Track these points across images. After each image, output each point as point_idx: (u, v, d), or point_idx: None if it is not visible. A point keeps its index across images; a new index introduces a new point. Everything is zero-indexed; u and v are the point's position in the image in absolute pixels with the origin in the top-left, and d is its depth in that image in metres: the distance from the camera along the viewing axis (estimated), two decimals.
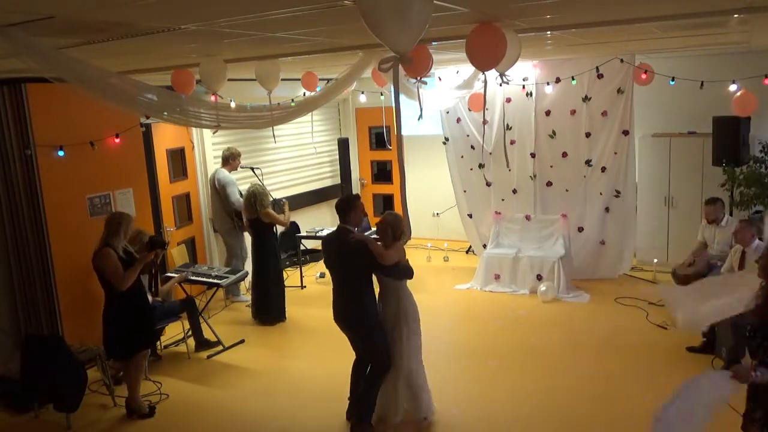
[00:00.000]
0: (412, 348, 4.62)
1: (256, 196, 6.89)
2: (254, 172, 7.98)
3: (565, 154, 7.89)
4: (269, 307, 7.14)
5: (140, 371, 5.28)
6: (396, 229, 4.50)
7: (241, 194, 7.59)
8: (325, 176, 10.26)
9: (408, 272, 4.57)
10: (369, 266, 4.45)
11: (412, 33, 2.36)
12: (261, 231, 7.06)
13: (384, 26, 2.33)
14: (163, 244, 5.35)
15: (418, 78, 4.71)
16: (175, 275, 6.55)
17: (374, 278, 4.62)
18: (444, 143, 8.70)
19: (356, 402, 4.73)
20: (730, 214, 6.56)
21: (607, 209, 7.81)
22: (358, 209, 4.63)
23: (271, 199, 7.21)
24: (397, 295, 4.57)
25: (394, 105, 2.60)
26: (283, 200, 7.47)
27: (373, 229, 4.87)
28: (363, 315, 4.53)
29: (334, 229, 4.78)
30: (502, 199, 8.42)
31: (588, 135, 7.69)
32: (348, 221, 4.59)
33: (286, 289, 7.39)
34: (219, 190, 7.54)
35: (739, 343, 4.93)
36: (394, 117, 2.59)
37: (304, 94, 6.74)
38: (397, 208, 10.57)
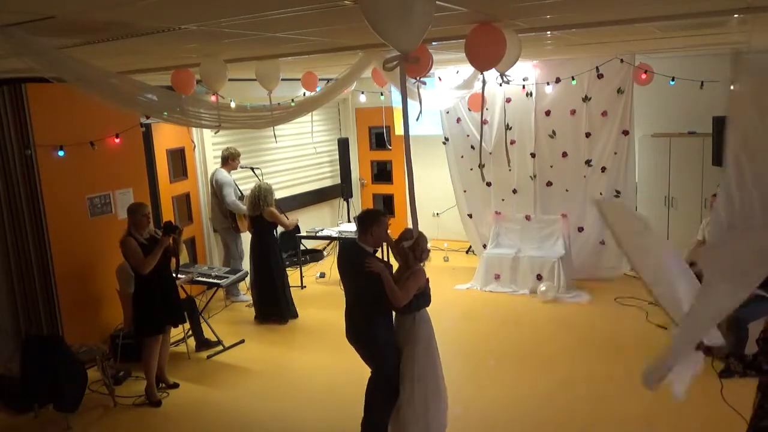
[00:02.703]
0: (424, 377, 4.19)
1: (261, 192, 6.86)
2: (254, 172, 7.99)
3: (565, 154, 7.89)
4: (279, 305, 7.09)
5: (153, 358, 5.36)
6: (416, 248, 4.09)
7: (241, 195, 7.61)
8: (325, 176, 10.26)
9: (423, 303, 4.17)
10: (381, 297, 4.05)
11: (415, 32, 2.36)
12: (262, 229, 7.01)
13: (387, 25, 2.33)
14: (175, 229, 5.39)
15: (418, 78, 4.71)
16: (182, 276, 6.54)
17: None
18: (444, 143, 8.70)
19: (367, 426, 4.40)
20: None
21: None
22: (382, 226, 4.18)
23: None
24: (413, 318, 4.19)
25: (401, 104, 2.59)
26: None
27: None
28: (373, 339, 4.21)
29: (351, 239, 4.36)
30: (502, 199, 8.42)
31: (588, 135, 7.69)
32: (366, 239, 4.17)
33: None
34: (216, 190, 7.55)
35: (739, 340, 4.92)
36: (402, 116, 2.57)
37: (304, 94, 6.74)
38: (398, 208, 10.58)
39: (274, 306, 7.10)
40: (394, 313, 4.26)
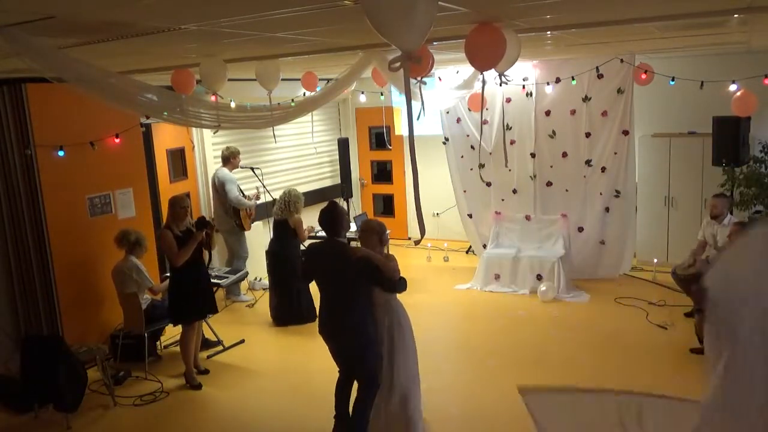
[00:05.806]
0: (407, 364, 4.38)
1: (291, 198, 6.94)
2: (254, 172, 7.99)
3: (565, 154, 7.89)
4: (301, 309, 7.00)
5: (190, 345, 5.64)
6: (382, 235, 4.33)
7: (242, 192, 7.62)
8: (325, 176, 10.26)
9: (404, 285, 4.32)
10: (372, 283, 4.20)
11: (419, 31, 2.35)
12: (283, 234, 7.01)
13: (390, 25, 2.32)
14: (207, 224, 5.61)
15: (419, 78, 4.71)
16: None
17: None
18: (444, 143, 8.70)
19: (347, 425, 4.47)
20: (731, 214, 6.56)
21: (607, 209, 7.81)
22: (345, 220, 4.42)
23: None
24: (389, 306, 4.36)
25: (405, 104, 2.58)
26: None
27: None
28: (359, 330, 4.26)
29: (320, 241, 4.58)
30: (502, 199, 8.42)
31: (588, 135, 7.69)
32: (338, 233, 4.39)
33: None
34: (218, 188, 7.55)
35: None
36: (406, 115, 2.56)
37: (304, 94, 6.74)
38: (398, 208, 10.58)
39: (290, 312, 7.03)
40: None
